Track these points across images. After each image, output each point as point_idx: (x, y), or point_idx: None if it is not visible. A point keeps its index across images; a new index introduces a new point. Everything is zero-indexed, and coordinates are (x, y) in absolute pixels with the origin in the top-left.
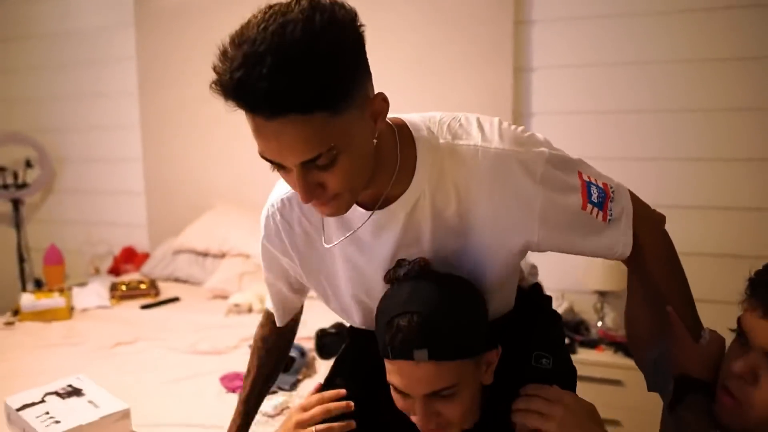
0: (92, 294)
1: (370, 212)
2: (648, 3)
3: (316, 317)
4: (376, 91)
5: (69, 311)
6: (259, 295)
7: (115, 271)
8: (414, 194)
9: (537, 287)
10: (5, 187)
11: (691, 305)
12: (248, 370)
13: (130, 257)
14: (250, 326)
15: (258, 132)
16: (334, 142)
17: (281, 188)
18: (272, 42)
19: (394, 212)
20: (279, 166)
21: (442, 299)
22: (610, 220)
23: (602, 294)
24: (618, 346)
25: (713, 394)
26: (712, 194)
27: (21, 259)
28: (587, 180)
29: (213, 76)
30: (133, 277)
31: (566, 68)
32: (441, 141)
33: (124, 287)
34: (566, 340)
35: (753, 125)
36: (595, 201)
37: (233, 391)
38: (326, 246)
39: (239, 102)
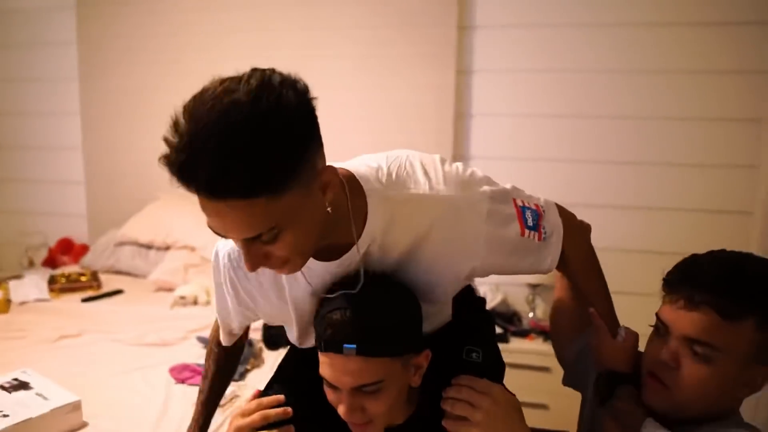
0: (30, 286)
1: (325, 262)
2: (579, 15)
3: None
4: (318, 88)
5: (7, 304)
6: (204, 287)
7: (50, 263)
8: (365, 242)
9: (470, 289)
10: None
11: (610, 305)
12: (205, 372)
13: (66, 249)
14: (196, 318)
15: (203, 208)
16: (276, 222)
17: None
18: (217, 124)
19: (349, 260)
20: (223, 236)
21: (376, 299)
22: (544, 238)
23: (534, 287)
24: (547, 336)
25: (638, 384)
26: (643, 196)
27: None
28: (521, 205)
29: (159, 59)
30: (72, 269)
31: (505, 72)
32: (391, 192)
33: (63, 279)
34: (499, 331)
35: (693, 131)
36: (531, 225)
37: (182, 381)
38: (313, 294)
39: (180, 182)
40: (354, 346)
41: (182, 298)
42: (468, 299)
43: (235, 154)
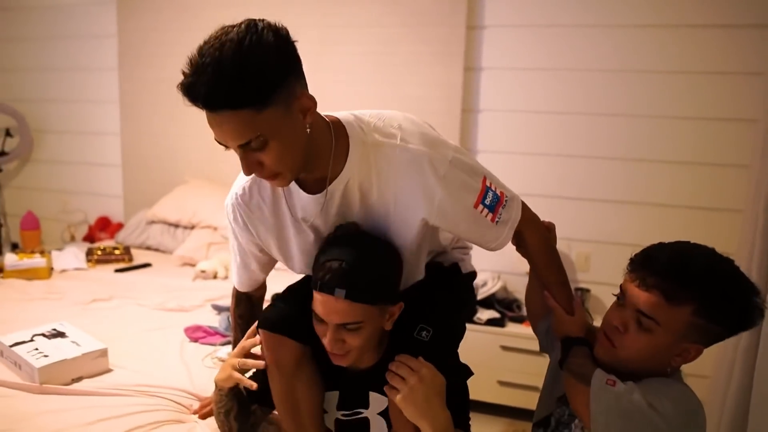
0: (70, 257)
1: (312, 195)
2: (583, 16)
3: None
4: (334, 82)
5: (49, 271)
6: (223, 263)
7: (89, 238)
8: (345, 178)
9: (456, 267)
10: None
11: (566, 286)
12: (235, 339)
13: (104, 226)
14: (213, 289)
15: (208, 121)
16: (261, 131)
17: (241, 179)
18: (213, 56)
19: (331, 193)
20: (226, 147)
21: (367, 255)
22: (497, 221)
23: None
24: None
25: (590, 344)
26: (637, 191)
27: None
28: (488, 186)
29: (190, 55)
30: (108, 244)
31: (511, 70)
32: (368, 138)
33: (99, 252)
34: (497, 316)
35: (688, 130)
36: (487, 204)
37: (195, 340)
38: (302, 221)
39: (189, 100)
40: (344, 291)
41: (203, 271)
42: (447, 275)
43: (226, 75)
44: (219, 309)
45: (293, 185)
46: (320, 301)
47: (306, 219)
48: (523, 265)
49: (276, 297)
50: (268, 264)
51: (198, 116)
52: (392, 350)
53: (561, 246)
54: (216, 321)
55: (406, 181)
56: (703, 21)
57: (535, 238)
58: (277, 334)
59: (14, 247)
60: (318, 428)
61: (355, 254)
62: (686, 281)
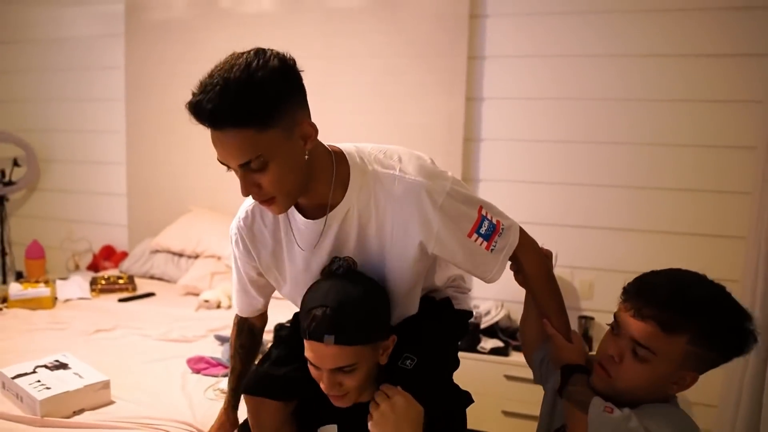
0: (74, 286)
1: (311, 220)
2: (583, 46)
3: (276, 315)
4: (338, 111)
5: (53, 301)
6: (227, 293)
7: (94, 267)
8: (344, 207)
9: (448, 301)
10: None
11: (564, 317)
12: (233, 368)
13: (109, 255)
14: (216, 319)
15: (212, 140)
16: (262, 152)
17: (245, 204)
18: (221, 77)
19: (330, 222)
20: (228, 168)
21: (351, 297)
22: (492, 249)
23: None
24: None
25: (589, 371)
26: (640, 218)
27: (3, 253)
28: (483, 215)
29: (196, 85)
30: (112, 273)
31: (513, 99)
32: (369, 168)
33: (103, 281)
34: (501, 345)
35: (690, 158)
36: (482, 233)
37: (198, 372)
38: (301, 249)
39: (195, 117)
40: (333, 336)
41: (206, 301)
42: (437, 308)
43: (231, 92)
44: (222, 339)
45: (293, 211)
46: (311, 349)
47: (302, 246)
48: (522, 292)
49: (264, 356)
50: (266, 288)
51: (203, 146)
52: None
53: (564, 274)
54: (219, 352)
55: (404, 210)
56: (704, 50)
57: (533, 263)
58: (257, 397)
59: (19, 276)
60: None
61: (339, 298)
62: (683, 311)
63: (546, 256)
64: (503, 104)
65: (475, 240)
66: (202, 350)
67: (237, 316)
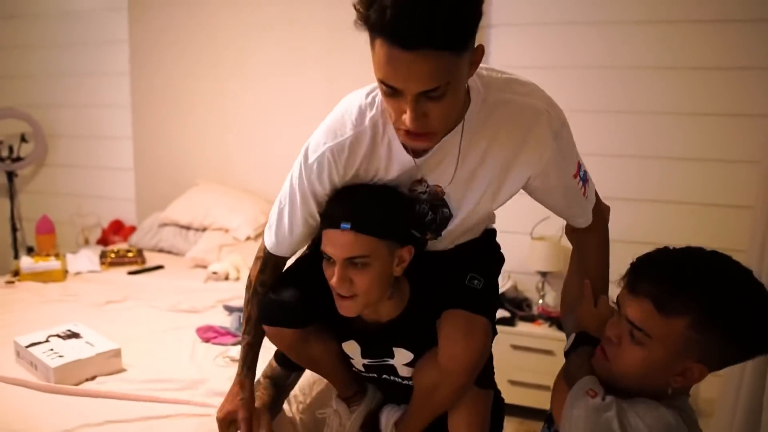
0: (84, 259)
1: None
2: (589, 13)
3: None
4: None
5: (63, 274)
6: (234, 264)
7: (103, 241)
8: (456, 135)
9: (490, 232)
10: (1, 159)
11: (605, 278)
12: (249, 316)
13: (118, 229)
14: (225, 291)
15: (389, 61)
16: (451, 79)
17: (329, 138)
18: None
19: (441, 148)
20: (393, 93)
21: (372, 192)
22: (586, 197)
23: (543, 274)
24: (553, 321)
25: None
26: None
27: (14, 228)
28: (579, 161)
29: (201, 58)
30: (121, 246)
31: (520, 69)
32: (490, 96)
33: (113, 254)
34: (508, 315)
35: (709, 128)
36: (582, 177)
37: (207, 341)
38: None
39: (384, 32)
40: (349, 223)
41: (215, 273)
42: (487, 235)
43: (434, 12)
44: (230, 309)
45: (399, 146)
46: (328, 240)
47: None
48: (533, 262)
49: (272, 286)
50: (314, 232)
51: (208, 118)
52: (415, 306)
53: (565, 242)
54: (227, 321)
55: (519, 134)
56: (710, 63)
57: (600, 217)
58: (276, 327)
59: (30, 251)
60: (343, 371)
61: (361, 192)
62: (682, 289)
63: (606, 210)
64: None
65: (577, 183)
66: (211, 320)
67: (265, 251)
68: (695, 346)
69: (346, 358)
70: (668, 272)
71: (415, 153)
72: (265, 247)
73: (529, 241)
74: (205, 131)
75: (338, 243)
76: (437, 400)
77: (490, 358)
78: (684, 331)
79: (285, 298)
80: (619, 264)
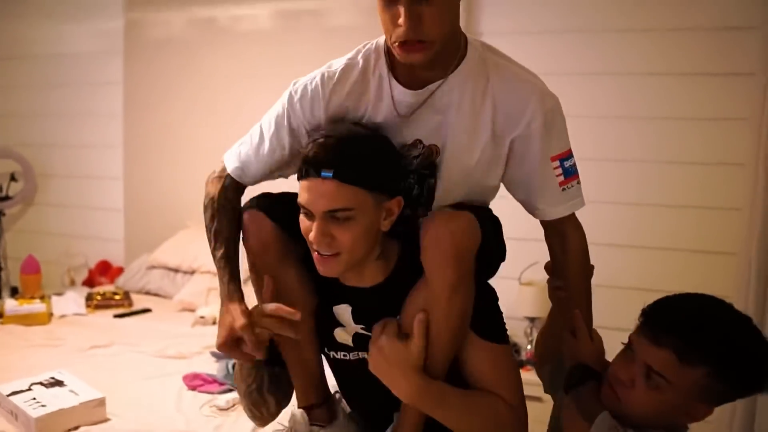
0: (70, 302)
1: (411, 90)
2: (575, 65)
3: None
4: None
5: (48, 317)
6: None
7: (89, 282)
8: (450, 85)
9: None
10: None
11: (589, 309)
12: (218, 231)
13: (104, 270)
14: (212, 336)
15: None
16: None
17: (331, 65)
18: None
19: (430, 94)
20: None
21: (360, 135)
22: (564, 189)
23: (532, 320)
24: None
25: (601, 378)
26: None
27: None
28: (571, 153)
29: (194, 102)
30: (108, 289)
31: None
32: (489, 57)
33: (99, 297)
34: None
35: (683, 174)
36: (566, 167)
37: (193, 389)
38: (396, 114)
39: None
40: (331, 171)
41: (202, 317)
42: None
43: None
44: (218, 357)
45: (389, 76)
46: (306, 188)
47: (399, 111)
48: (521, 308)
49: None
50: (279, 169)
51: (199, 160)
52: (404, 268)
53: None
54: (215, 369)
55: (512, 99)
56: (695, 69)
57: (579, 240)
58: (259, 213)
59: (14, 292)
60: (313, 354)
61: (345, 136)
62: (703, 343)
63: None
64: None
65: (555, 168)
66: (198, 367)
67: (225, 173)
68: (708, 391)
69: (319, 342)
70: (689, 324)
71: (408, 88)
72: (225, 169)
73: (517, 287)
74: (196, 173)
75: (318, 193)
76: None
77: (500, 311)
78: (702, 379)
79: (271, 197)
80: (608, 307)
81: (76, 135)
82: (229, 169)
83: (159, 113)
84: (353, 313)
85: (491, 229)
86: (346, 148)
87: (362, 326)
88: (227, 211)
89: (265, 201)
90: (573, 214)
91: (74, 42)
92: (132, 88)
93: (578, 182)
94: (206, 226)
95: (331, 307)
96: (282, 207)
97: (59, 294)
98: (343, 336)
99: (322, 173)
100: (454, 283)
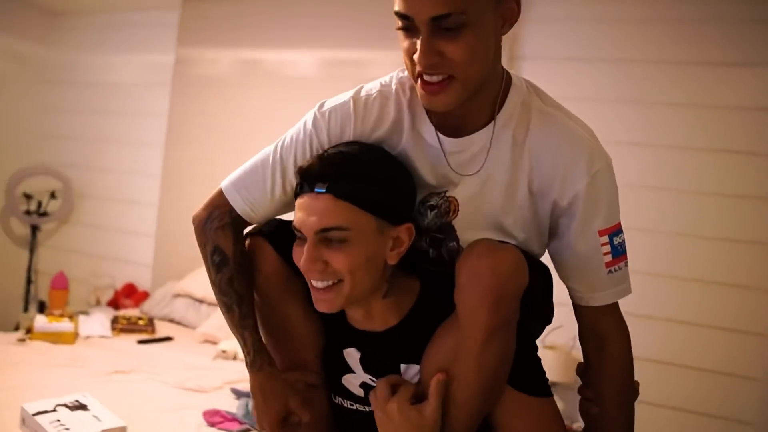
0: (96, 323)
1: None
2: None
3: None
4: None
5: (74, 336)
6: None
7: (114, 303)
8: (488, 133)
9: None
10: (28, 213)
11: None
12: (241, 295)
13: (130, 293)
14: (233, 371)
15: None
16: (467, 8)
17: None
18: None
19: (471, 143)
20: (406, 23)
21: (363, 150)
22: (611, 272)
23: (553, 385)
24: None
25: None
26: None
27: (29, 281)
28: (620, 229)
29: (234, 136)
30: (133, 313)
31: None
32: (533, 100)
33: (124, 321)
34: None
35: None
36: (615, 245)
37: (213, 425)
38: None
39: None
40: (326, 185)
41: (224, 351)
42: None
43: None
44: (238, 394)
45: (425, 118)
46: (299, 206)
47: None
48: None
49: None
50: (280, 208)
51: None
52: (424, 310)
53: (567, 347)
54: (234, 405)
55: (554, 156)
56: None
57: (621, 350)
58: (267, 242)
59: (41, 306)
60: (316, 360)
61: (349, 149)
62: None
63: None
64: None
65: (602, 244)
66: (218, 402)
67: (232, 217)
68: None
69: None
70: None
71: (444, 134)
72: (231, 211)
73: (539, 350)
74: None
75: (310, 211)
76: (455, 382)
77: (539, 360)
78: None
79: (278, 222)
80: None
81: (117, 160)
82: (240, 211)
83: (199, 146)
84: (362, 360)
85: (540, 277)
86: (347, 161)
87: (371, 377)
88: (243, 271)
89: (270, 227)
90: (617, 310)
91: (126, 72)
92: (176, 119)
93: (626, 264)
94: (226, 286)
95: (341, 349)
96: (290, 234)
97: (84, 312)
98: (352, 383)
99: (316, 188)
100: (492, 329)
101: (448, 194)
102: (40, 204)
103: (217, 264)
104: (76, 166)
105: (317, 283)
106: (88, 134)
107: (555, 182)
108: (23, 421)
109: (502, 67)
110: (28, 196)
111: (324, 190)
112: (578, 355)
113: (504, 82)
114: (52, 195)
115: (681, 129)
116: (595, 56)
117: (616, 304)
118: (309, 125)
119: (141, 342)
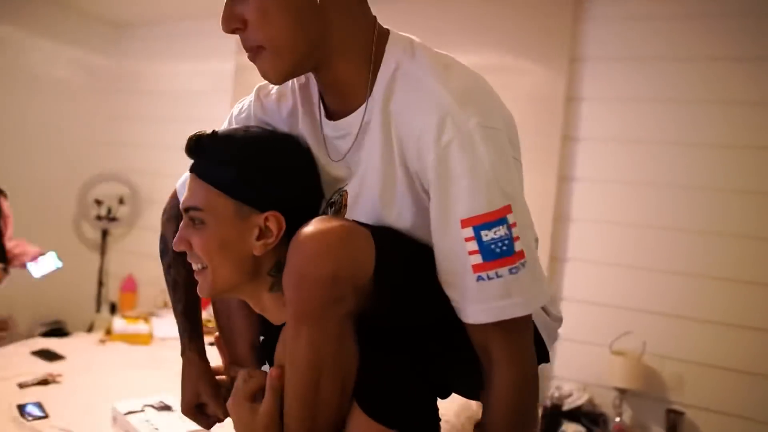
0: (170, 325)
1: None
2: (673, 131)
3: None
4: None
5: (150, 337)
6: None
7: None
8: (363, 113)
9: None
10: (99, 218)
11: None
12: (175, 281)
13: None
14: None
15: None
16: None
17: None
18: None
19: (348, 125)
20: None
21: (253, 135)
22: (479, 279)
23: (622, 391)
24: None
25: None
26: (737, 313)
27: (100, 283)
28: (505, 217)
29: None
30: (204, 317)
31: (604, 183)
32: (403, 62)
33: None
34: (582, 429)
35: None
36: (485, 241)
37: None
38: (333, 161)
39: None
40: (192, 167)
41: None
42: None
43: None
44: None
45: (319, 109)
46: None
47: (332, 157)
48: (611, 378)
49: None
50: None
51: None
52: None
53: (653, 362)
54: None
55: (410, 124)
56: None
57: (508, 386)
58: None
59: (112, 307)
60: (249, 353)
61: (234, 130)
62: None
63: (526, 380)
64: (595, 186)
65: (466, 240)
66: None
67: (175, 208)
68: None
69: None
70: None
71: (329, 117)
72: (179, 202)
73: (607, 355)
74: None
75: (187, 189)
76: None
77: (421, 390)
78: None
79: None
80: (705, 387)
81: (182, 166)
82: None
83: None
84: (265, 352)
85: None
86: (216, 140)
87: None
88: (186, 262)
89: None
90: (511, 335)
91: (189, 80)
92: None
93: (513, 270)
94: (164, 272)
95: (275, 343)
96: None
97: (152, 314)
98: None
99: (190, 168)
100: (297, 316)
101: (343, 188)
102: (110, 210)
103: (161, 252)
104: (144, 171)
105: (193, 266)
106: (154, 141)
107: (414, 156)
108: (114, 420)
109: (376, 32)
110: (98, 202)
111: (191, 170)
112: (649, 362)
113: (375, 49)
114: (121, 201)
115: (740, 127)
116: (658, 55)
117: (515, 325)
118: (232, 114)
119: (211, 344)
